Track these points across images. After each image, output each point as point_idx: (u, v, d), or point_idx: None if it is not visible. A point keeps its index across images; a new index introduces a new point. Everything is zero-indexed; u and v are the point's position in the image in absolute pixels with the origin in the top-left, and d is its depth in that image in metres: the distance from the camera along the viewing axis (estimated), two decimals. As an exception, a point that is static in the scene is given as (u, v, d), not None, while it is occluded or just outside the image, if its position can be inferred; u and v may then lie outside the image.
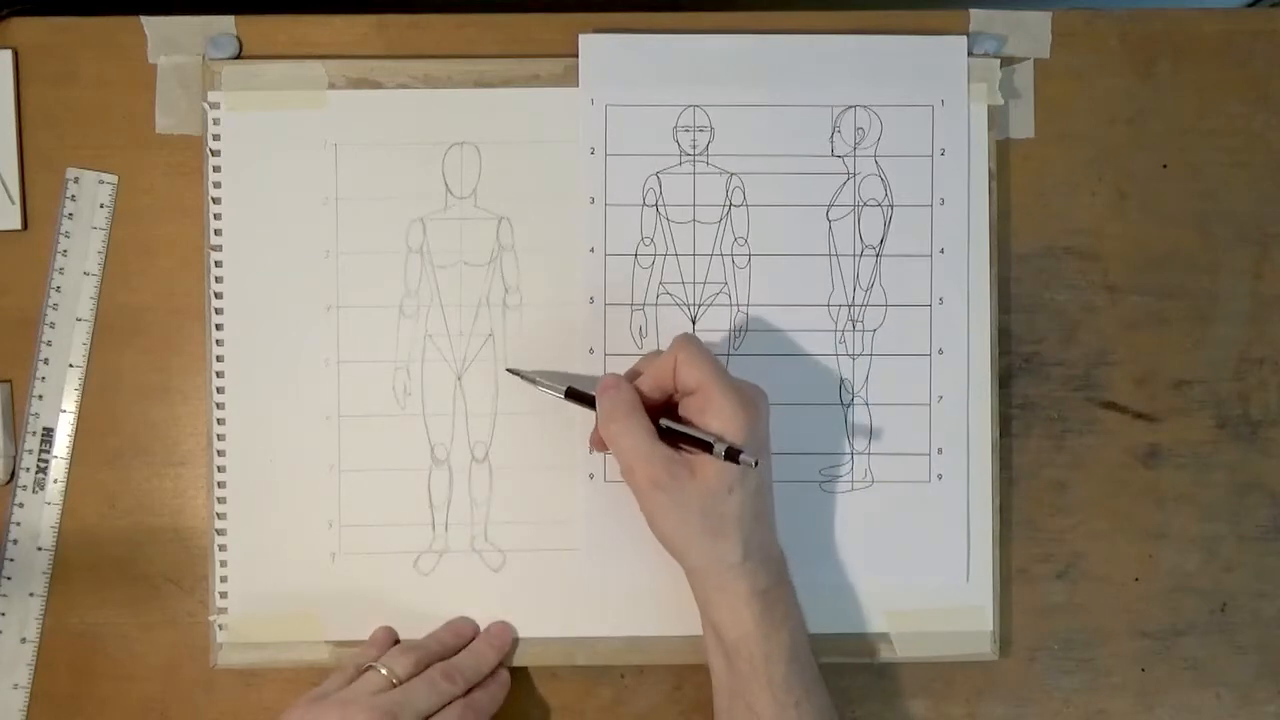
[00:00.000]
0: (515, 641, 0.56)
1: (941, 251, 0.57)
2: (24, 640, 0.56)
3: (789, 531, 0.53)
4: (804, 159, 0.57)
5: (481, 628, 0.56)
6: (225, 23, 0.57)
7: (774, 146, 0.56)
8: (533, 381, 0.54)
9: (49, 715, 0.56)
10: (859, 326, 0.57)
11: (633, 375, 0.52)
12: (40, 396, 0.56)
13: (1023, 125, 0.58)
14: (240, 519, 0.55)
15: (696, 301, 0.57)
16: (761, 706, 0.49)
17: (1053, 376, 0.58)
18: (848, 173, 0.57)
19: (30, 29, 0.57)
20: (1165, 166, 0.58)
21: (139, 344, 0.57)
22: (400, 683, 0.50)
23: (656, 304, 0.56)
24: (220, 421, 0.55)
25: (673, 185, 0.56)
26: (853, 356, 0.57)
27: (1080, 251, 0.58)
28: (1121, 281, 0.58)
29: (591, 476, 0.56)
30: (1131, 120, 0.58)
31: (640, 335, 0.56)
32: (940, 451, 0.57)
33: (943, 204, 0.57)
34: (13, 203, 0.56)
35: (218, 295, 0.56)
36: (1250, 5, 0.68)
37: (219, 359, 0.55)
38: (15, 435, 0.56)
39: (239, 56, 0.56)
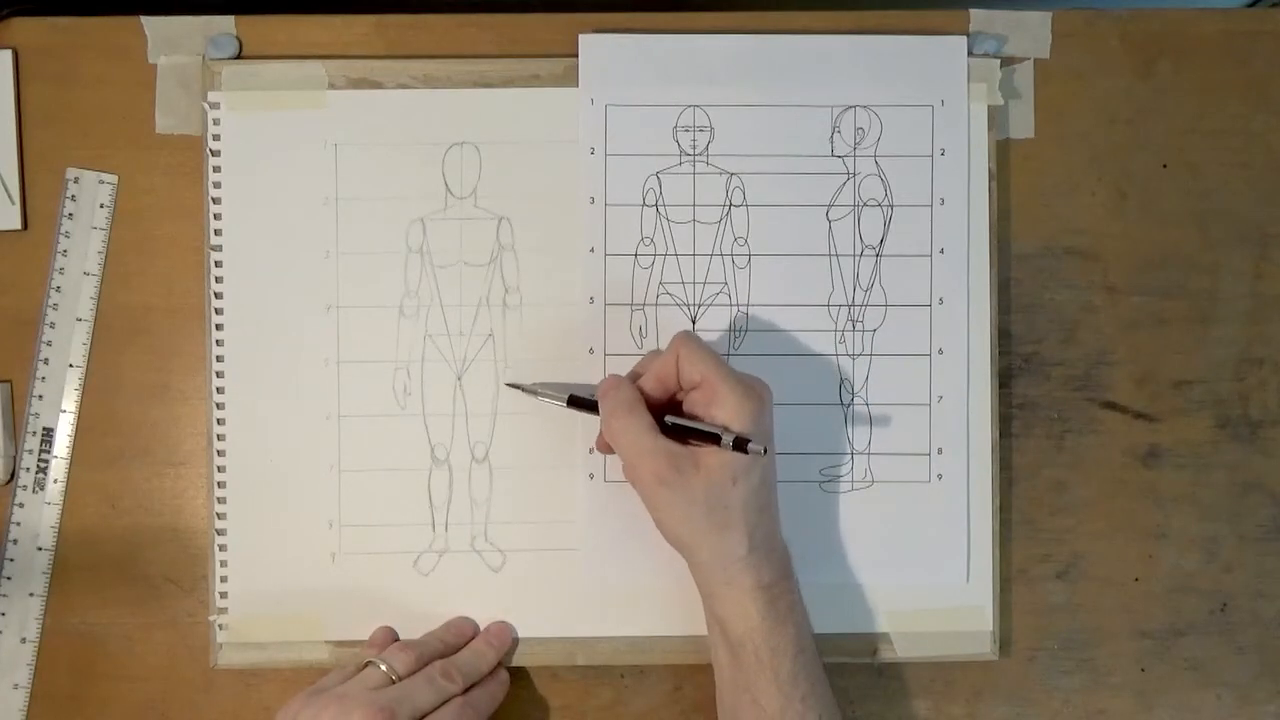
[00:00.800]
0: (515, 641, 0.56)
1: (941, 251, 0.57)
2: (24, 640, 0.56)
3: (789, 531, 0.53)
4: (804, 159, 0.57)
5: (481, 627, 0.56)
6: (225, 23, 0.57)
7: (774, 146, 0.56)
8: (534, 393, 0.54)
9: (49, 715, 0.56)
10: (859, 326, 0.57)
11: (634, 377, 0.52)
12: (40, 396, 0.56)
13: (1023, 125, 0.58)
14: (240, 519, 0.55)
15: (696, 301, 0.57)
16: (767, 701, 0.49)
17: (1053, 376, 0.58)
18: (848, 173, 0.57)
19: (30, 29, 0.57)
20: (1165, 166, 0.58)
21: (139, 344, 0.57)
22: (399, 679, 0.50)
23: (656, 304, 0.56)
24: (220, 421, 0.55)
25: (673, 185, 0.56)
26: (853, 356, 0.57)
27: (1080, 251, 0.58)
28: (1121, 281, 0.58)
29: (591, 476, 0.56)
30: (1131, 120, 0.58)
31: (640, 335, 0.56)
32: (940, 451, 0.57)
33: (943, 204, 0.57)
34: (13, 203, 0.56)
35: (218, 295, 0.56)
36: (1250, 5, 0.68)
37: (219, 359, 0.55)
38: (15, 435, 0.56)
39: (239, 56, 0.56)
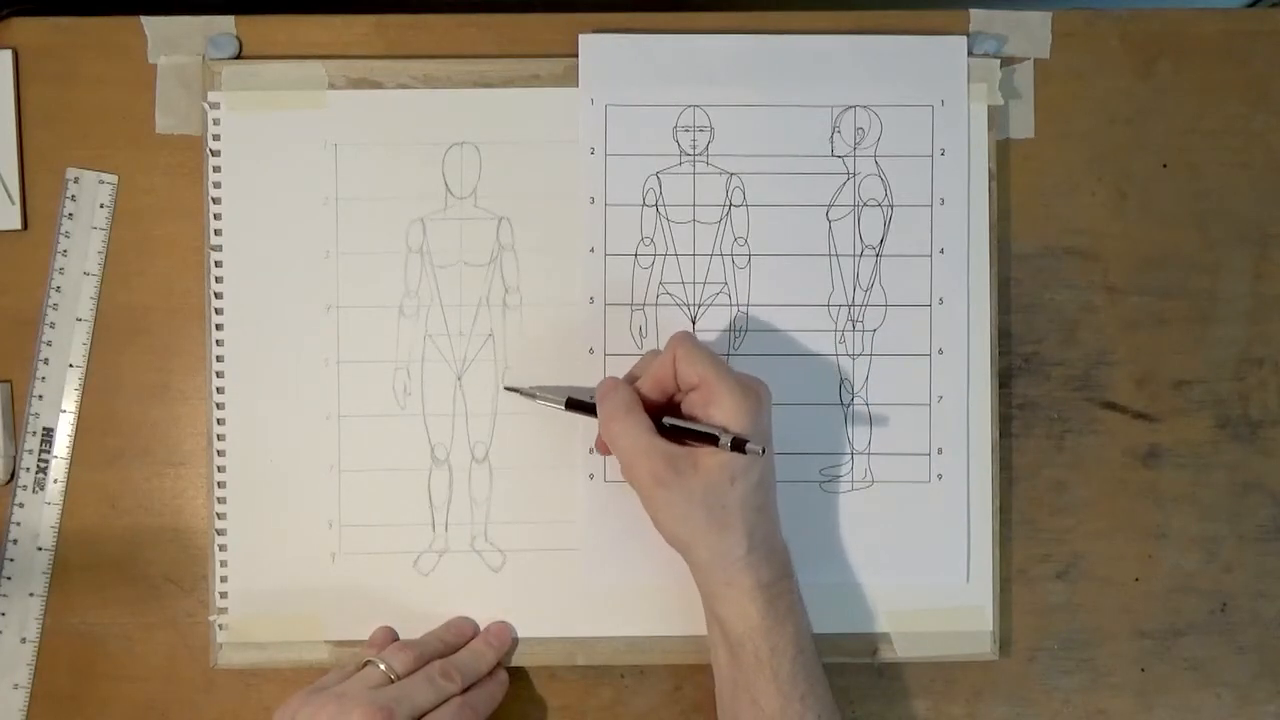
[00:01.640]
0: (515, 641, 0.56)
1: (941, 251, 0.57)
2: (24, 640, 0.56)
3: (789, 532, 0.53)
4: (804, 159, 0.57)
5: (481, 627, 0.56)
6: (225, 23, 0.57)
7: (774, 146, 0.56)
8: (532, 396, 0.55)
9: (49, 715, 0.56)
10: (859, 326, 0.57)
11: (631, 379, 0.52)
12: (40, 396, 0.56)
13: (1023, 125, 0.58)
14: (240, 519, 0.55)
15: (696, 301, 0.57)
16: (766, 701, 0.49)
17: (1053, 376, 0.58)
18: (848, 173, 0.57)
19: (30, 29, 0.57)
20: (1165, 166, 0.58)
21: (139, 344, 0.57)
22: (398, 678, 0.50)
23: (656, 304, 0.56)
24: (220, 421, 0.55)
25: (673, 185, 0.56)
26: (853, 356, 0.57)
27: (1080, 251, 0.58)
28: (1121, 281, 0.58)
29: (591, 476, 0.56)
30: (1131, 120, 0.58)
31: (640, 335, 0.56)
32: (940, 451, 0.57)
33: (943, 204, 0.57)
34: (13, 203, 0.56)
35: (218, 295, 0.56)
36: (1250, 5, 0.68)
37: (219, 359, 0.55)
38: (15, 435, 0.56)
39: (239, 56, 0.56)
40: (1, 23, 0.57)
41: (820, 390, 0.57)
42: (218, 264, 0.56)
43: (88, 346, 0.57)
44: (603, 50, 0.56)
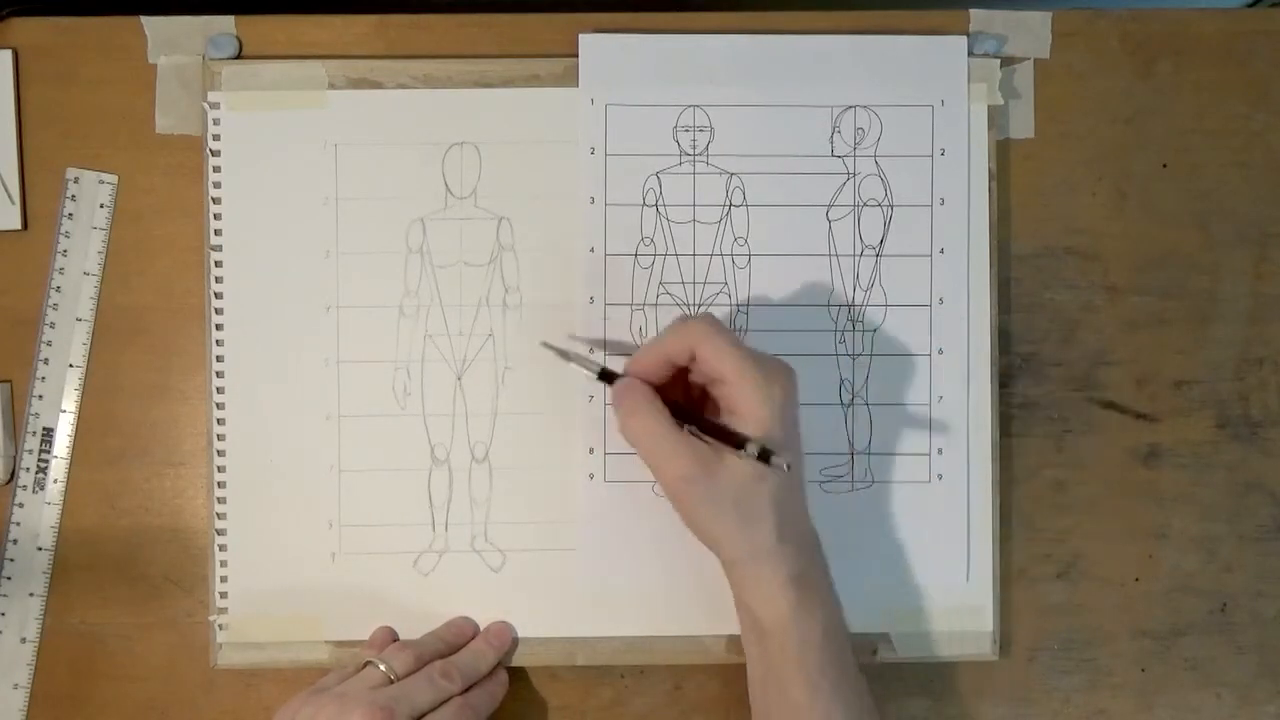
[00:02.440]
0: (515, 641, 0.56)
1: (941, 251, 0.57)
2: (24, 640, 0.56)
3: (789, 531, 0.53)
4: (804, 159, 0.57)
5: (481, 627, 0.56)
6: (225, 23, 0.57)
7: (774, 146, 0.56)
8: (565, 356, 0.54)
9: (49, 715, 0.56)
10: (859, 326, 0.57)
11: (640, 363, 0.51)
12: (40, 396, 0.56)
13: (1023, 125, 0.58)
14: (240, 519, 0.55)
15: (696, 301, 0.57)
16: (796, 691, 0.49)
17: (1053, 376, 0.58)
18: (848, 173, 0.57)
19: (30, 29, 0.57)
20: (1165, 166, 0.58)
21: (139, 344, 0.57)
22: (398, 679, 0.50)
23: (656, 304, 0.56)
24: (220, 421, 0.55)
25: (673, 185, 0.56)
26: (853, 356, 0.57)
27: (1080, 251, 0.58)
28: (1121, 281, 0.58)
29: (591, 476, 0.56)
30: (1131, 120, 0.58)
31: (640, 335, 0.56)
32: (940, 451, 0.57)
33: (943, 204, 0.57)
34: (13, 203, 0.56)
35: (218, 295, 0.56)
36: (1250, 5, 0.68)
37: (219, 359, 0.55)
38: (15, 435, 0.56)
39: (239, 56, 0.56)
40: (1, 23, 0.57)
41: (820, 390, 0.57)
42: (218, 264, 0.56)
43: (88, 346, 0.57)
44: (603, 50, 0.56)
